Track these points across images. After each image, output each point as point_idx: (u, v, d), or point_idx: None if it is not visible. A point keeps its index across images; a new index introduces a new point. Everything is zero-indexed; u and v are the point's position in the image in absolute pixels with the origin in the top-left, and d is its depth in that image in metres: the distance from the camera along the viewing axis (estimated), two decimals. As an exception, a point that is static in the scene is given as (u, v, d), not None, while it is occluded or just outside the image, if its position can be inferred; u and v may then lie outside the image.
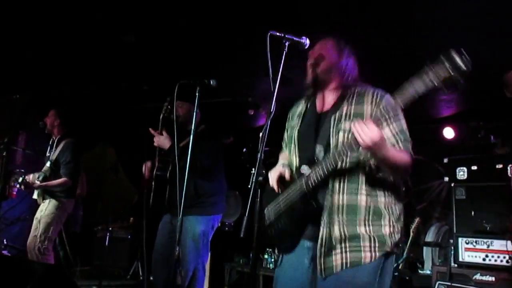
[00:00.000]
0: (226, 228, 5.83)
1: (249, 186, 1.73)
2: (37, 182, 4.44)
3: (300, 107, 2.22)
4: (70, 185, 4.43)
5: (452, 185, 3.96)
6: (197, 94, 2.83)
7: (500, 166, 3.70)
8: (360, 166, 1.90)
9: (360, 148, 1.73)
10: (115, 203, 5.78)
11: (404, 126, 1.93)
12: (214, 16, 3.71)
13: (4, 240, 5.51)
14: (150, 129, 3.40)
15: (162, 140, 3.33)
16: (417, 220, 4.23)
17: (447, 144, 5.44)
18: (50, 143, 4.68)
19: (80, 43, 4.38)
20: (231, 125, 6.60)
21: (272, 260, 5.42)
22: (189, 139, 2.78)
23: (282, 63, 1.94)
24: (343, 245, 1.84)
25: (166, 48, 4.43)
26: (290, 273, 2.04)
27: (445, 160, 4.16)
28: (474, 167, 3.86)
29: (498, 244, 3.53)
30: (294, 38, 1.97)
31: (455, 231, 3.84)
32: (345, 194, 1.88)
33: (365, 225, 1.86)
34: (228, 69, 4.79)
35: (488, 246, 3.57)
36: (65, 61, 4.88)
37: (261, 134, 1.79)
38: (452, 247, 3.74)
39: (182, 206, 2.62)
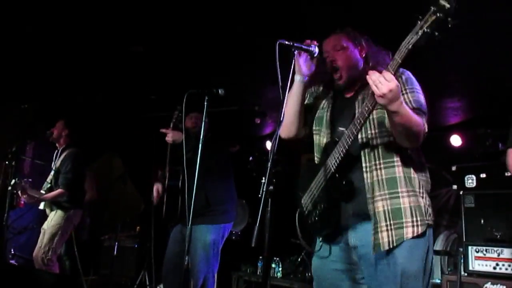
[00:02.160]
0: (233, 237, 5.82)
1: (259, 196, 1.73)
2: (42, 192, 4.47)
3: (323, 89, 2.21)
4: (71, 196, 4.43)
5: (461, 193, 3.94)
6: (205, 103, 2.84)
7: (509, 174, 3.68)
8: (386, 139, 1.91)
9: (375, 98, 1.70)
10: (122, 212, 5.78)
11: (421, 99, 1.92)
12: (221, 25, 3.73)
13: (12, 250, 5.52)
14: (161, 130, 3.40)
15: (175, 135, 3.33)
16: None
17: (454, 152, 5.41)
18: (55, 153, 4.71)
19: (88, 53, 4.41)
20: (238, 134, 6.61)
21: (280, 269, 5.40)
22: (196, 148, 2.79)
23: (292, 70, 1.95)
24: (388, 222, 1.85)
25: (173, 58, 4.45)
26: (333, 266, 2.03)
27: (454, 168, 4.14)
28: (483, 175, 3.85)
29: (508, 253, 3.50)
30: (303, 47, 1.98)
31: (464, 240, 3.82)
32: (382, 169, 1.90)
33: (407, 196, 1.88)
34: (235, 77, 4.80)
35: (499, 254, 3.54)
36: (74, 71, 4.91)
37: (270, 143, 1.80)
38: (462, 256, 3.71)
39: (191, 213, 2.62)
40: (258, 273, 5.57)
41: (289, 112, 2.08)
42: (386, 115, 1.84)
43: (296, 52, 1.98)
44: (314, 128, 2.18)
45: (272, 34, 1.97)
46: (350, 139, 1.86)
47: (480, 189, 3.86)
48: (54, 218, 4.39)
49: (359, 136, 1.94)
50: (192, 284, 3.33)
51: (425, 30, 1.59)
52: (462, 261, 3.70)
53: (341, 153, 1.90)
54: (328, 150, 2.01)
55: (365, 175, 1.91)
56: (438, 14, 1.56)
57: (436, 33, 1.60)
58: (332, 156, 1.94)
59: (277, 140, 1.79)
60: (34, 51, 4.47)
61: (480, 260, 3.62)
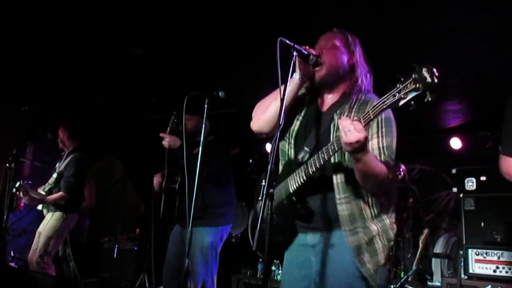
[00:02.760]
0: (233, 240, 5.81)
1: (259, 198, 1.73)
2: (43, 193, 4.48)
3: (303, 91, 2.15)
4: (71, 199, 4.44)
5: (461, 195, 3.95)
6: (206, 105, 2.84)
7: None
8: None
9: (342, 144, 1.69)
10: (122, 215, 5.77)
11: (393, 144, 1.90)
12: (221, 28, 3.74)
13: (11, 252, 5.51)
14: (160, 134, 3.41)
15: (172, 140, 3.34)
16: (425, 231, 4.20)
17: (454, 154, 5.42)
18: (62, 154, 4.73)
19: (88, 55, 4.42)
20: (237, 136, 6.61)
21: (279, 271, 5.39)
22: (198, 150, 2.79)
23: (291, 72, 1.95)
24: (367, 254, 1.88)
25: (173, 60, 4.46)
26: (296, 272, 2.02)
27: (454, 171, 4.15)
28: (483, 178, 3.85)
29: (509, 256, 3.50)
30: (302, 51, 1.97)
31: (464, 242, 3.82)
32: (356, 201, 1.89)
33: (374, 224, 1.90)
34: (235, 80, 4.81)
35: (499, 257, 3.54)
36: (74, 73, 4.92)
37: (270, 145, 1.79)
38: (462, 259, 3.71)
39: (191, 217, 2.62)
40: (258, 275, 5.57)
41: (276, 107, 1.98)
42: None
43: (295, 53, 1.97)
44: (287, 138, 2.13)
45: (272, 36, 1.98)
46: (312, 169, 1.84)
47: (480, 192, 3.87)
48: (50, 221, 4.40)
49: (332, 161, 1.90)
50: (191, 287, 3.32)
51: (402, 97, 1.55)
52: (462, 264, 3.70)
53: (302, 179, 1.89)
54: (291, 168, 1.99)
55: (339, 207, 1.88)
56: (417, 85, 1.51)
57: (412, 102, 1.55)
58: (293, 178, 1.93)
59: (277, 143, 1.79)
60: (34, 53, 4.48)
61: (480, 263, 3.62)
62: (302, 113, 2.11)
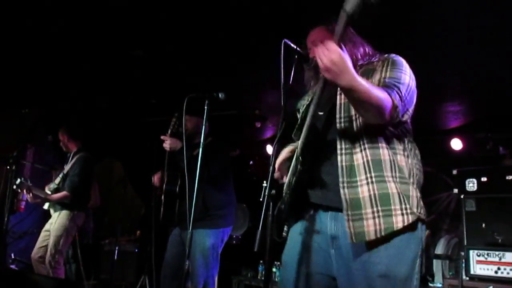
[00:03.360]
0: (234, 241, 5.80)
1: (260, 200, 1.73)
2: (48, 192, 4.50)
3: (306, 100, 2.11)
4: (75, 198, 4.45)
5: (462, 196, 3.94)
6: (206, 107, 2.84)
7: (511, 177, 3.68)
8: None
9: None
10: (122, 217, 5.77)
11: (402, 77, 1.69)
12: (220, 30, 3.74)
13: (12, 254, 5.51)
14: (161, 136, 3.40)
15: (173, 143, 3.34)
16: (426, 232, 4.19)
17: (455, 155, 5.41)
18: (68, 156, 4.76)
19: (88, 57, 4.42)
20: (238, 138, 6.61)
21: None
22: (198, 151, 2.79)
23: (292, 75, 1.95)
24: (374, 209, 1.62)
25: (173, 62, 4.46)
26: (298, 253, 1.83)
27: (454, 172, 4.15)
28: (484, 179, 3.85)
29: (510, 256, 3.50)
30: (304, 55, 1.98)
31: (465, 244, 3.81)
32: (363, 151, 1.69)
33: (395, 182, 1.66)
34: (235, 81, 4.81)
35: (500, 258, 3.53)
36: (74, 75, 4.92)
37: (271, 147, 1.79)
38: (463, 260, 3.70)
39: (191, 218, 2.62)
40: (258, 277, 5.56)
41: None
42: None
43: (297, 57, 1.98)
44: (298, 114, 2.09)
45: (273, 38, 1.98)
46: (310, 119, 1.74)
47: (481, 193, 3.86)
48: (58, 220, 4.41)
49: (337, 117, 1.77)
50: None
51: None
52: (463, 265, 3.69)
53: (304, 134, 1.77)
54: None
55: (339, 157, 1.71)
56: None
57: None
58: (300, 140, 1.82)
59: (278, 144, 1.79)
60: (34, 55, 4.48)
61: (482, 264, 3.61)
62: (309, 98, 2.06)
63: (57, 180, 4.63)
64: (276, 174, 1.95)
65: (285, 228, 1.90)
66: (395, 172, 1.69)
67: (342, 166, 1.71)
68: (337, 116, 1.77)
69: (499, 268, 3.52)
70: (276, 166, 1.91)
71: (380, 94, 1.56)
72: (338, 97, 1.79)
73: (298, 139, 1.89)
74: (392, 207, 1.63)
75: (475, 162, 4.80)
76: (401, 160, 1.73)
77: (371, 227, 1.62)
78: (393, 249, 1.63)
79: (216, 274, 3.47)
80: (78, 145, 4.76)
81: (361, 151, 1.70)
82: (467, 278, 3.66)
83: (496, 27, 3.26)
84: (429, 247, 4.68)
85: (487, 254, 3.60)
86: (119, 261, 5.60)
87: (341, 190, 1.68)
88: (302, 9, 3.34)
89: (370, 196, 1.65)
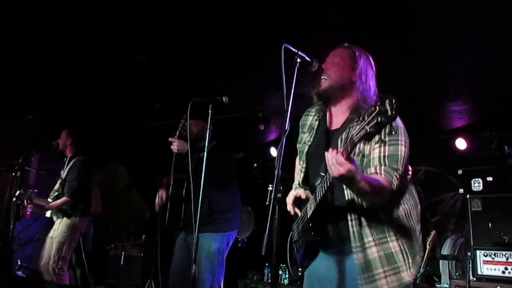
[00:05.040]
0: (239, 244, 5.80)
1: (266, 203, 1.73)
2: (49, 200, 4.49)
3: (311, 118, 2.20)
4: (76, 203, 4.44)
5: (468, 196, 3.93)
6: (210, 111, 2.85)
7: (516, 176, 3.67)
8: None
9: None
10: (127, 221, 5.78)
11: (401, 153, 1.84)
12: (223, 33, 3.75)
13: (18, 261, 5.52)
14: (169, 138, 3.41)
15: (181, 144, 3.34)
16: (433, 233, 4.18)
17: (459, 155, 5.39)
18: (64, 161, 4.74)
19: (92, 63, 4.43)
20: (242, 140, 6.61)
21: (287, 275, 5.37)
22: (203, 155, 2.80)
23: (295, 78, 1.96)
24: (384, 268, 1.82)
25: (177, 66, 4.47)
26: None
27: (460, 172, 4.13)
28: (489, 178, 3.83)
29: (517, 256, 3.48)
30: (306, 57, 1.99)
31: (472, 244, 3.79)
32: (370, 215, 1.86)
33: (396, 239, 1.85)
34: (239, 84, 4.81)
35: (507, 258, 3.51)
36: (78, 81, 4.94)
37: (277, 151, 1.80)
38: (470, 260, 3.68)
39: (197, 223, 2.62)
40: (264, 280, 5.55)
41: None
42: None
43: (298, 60, 1.98)
44: (300, 163, 2.17)
45: (275, 41, 1.99)
46: (323, 190, 1.83)
47: (487, 192, 3.85)
48: (60, 226, 4.40)
49: (345, 188, 1.89)
50: None
51: (369, 130, 1.52)
52: (470, 265, 3.67)
53: (314, 205, 1.89)
54: (311, 192, 1.99)
55: (350, 223, 1.87)
56: (380, 118, 1.49)
57: (374, 132, 1.53)
58: (310, 202, 1.94)
59: (283, 148, 1.79)
60: (38, 62, 4.50)
61: (489, 264, 3.60)
62: (311, 136, 2.13)
63: (56, 187, 4.62)
64: (291, 210, 2.07)
65: (299, 269, 2.20)
66: (396, 229, 1.87)
67: (353, 231, 1.87)
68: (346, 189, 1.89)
69: (506, 268, 3.50)
70: (290, 206, 2.06)
71: (381, 188, 1.76)
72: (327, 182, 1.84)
73: (305, 186, 2.07)
74: (399, 264, 1.83)
75: (480, 161, 4.78)
76: (399, 216, 1.89)
77: (384, 286, 1.82)
78: None
79: (222, 278, 3.47)
80: (75, 149, 4.73)
81: (362, 216, 1.87)
82: (474, 279, 3.64)
83: (500, 26, 3.25)
84: (435, 247, 4.66)
85: (494, 254, 3.58)
86: (125, 266, 5.60)
87: (355, 255, 1.86)
88: (304, 13, 3.34)
89: (379, 257, 1.84)
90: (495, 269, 3.55)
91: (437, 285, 4.49)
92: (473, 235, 3.82)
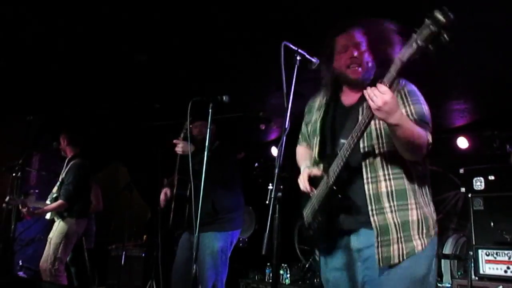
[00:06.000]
0: (241, 244, 5.79)
1: (267, 202, 1.72)
2: (48, 202, 4.50)
3: (318, 100, 2.20)
4: (73, 206, 4.45)
5: (469, 195, 3.91)
6: (210, 110, 2.85)
7: (518, 175, 3.65)
8: (390, 149, 1.88)
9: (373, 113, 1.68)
10: (128, 222, 5.78)
11: (424, 110, 1.89)
12: (224, 32, 3.74)
13: (20, 262, 5.53)
14: (174, 140, 3.40)
15: (185, 146, 3.34)
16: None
17: (461, 154, 5.37)
18: (65, 163, 4.75)
19: (92, 63, 4.43)
20: (243, 140, 6.60)
21: (288, 275, 5.37)
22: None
23: (295, 77, 1.95)
24: (398, 234, 1.83)
25: (177, 66, 4.46)
26: (339, 275, 2.02)
27: (461, 171, 4.11)
28: (491, 177, 3.82)
29: (520, 256, 3.46)
30: (306, 55, 1.99)
31: (474, 243, 3.78)
32: (391, 180, 1.87)
33: (416, 209, 1.87)
34: (239, 84, 4.81)
35: (510, 257, 3.50)
36: (78, 81, 4.94)
37: (276, 149, 1.80)
38: (472, 259, 3.67)
39: (198, 223, 2.62)
40: (266, 280, 5.55)
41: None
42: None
43: (299, 58, 1.98)
44: (312, 141, 2.15)
45: (276, 40, 1.98)
46: (348, 151, 1.82)
47: (488, 191, 3.83)
48: (58, 227, 4.43)
49: (361, 146, 1.91)
50: None
51: (419, 43, 1.55)
52: (472, 265, 3.66)
53: (340, 166, 1.87)
54: (329, 162, 1.97)
55: (366, 186, 1.89)
56: (432, 28, 1.52)
57: (430, 47, 1.56)
58: (332, 169, 1.92)
59: (283, 146, 1.79)
60: (38, 62, 4.50)
61: (491, 263, 3.58)
62: (324, 114, 2.11)
63: (55, 189, 4.63)
64: (307, 189, 2.03)
65: (316, 253, 2.04)
66: (416, 198, 1.89)
67: (370, 194, 1.88)
68: (362, 145, 1.91)
69: (508, 268, 3.48)
70: (306, 184, 2.03)
71: (420, 133, 1.77)
72: (362, 127, 1.81)
73: (320, 161, 2.04)
74: (411, 233, 1.85)
75: (482, 160, 4.76)
76: (418, 187, 1.92)
77: (395, 251, 1.83)
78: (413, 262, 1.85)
79: (225, 278, 3.47)
80: (75, 151, 4.74)
81: (385, 180, 1.88)
82: (476, 278, 3.63)
83: (501, 25, 3.24)
84: (437, 247, 4.64)
85: (496, 254, 3.57)
86: (126, 266, 5.61)
87: (371, 218, 1.87)
88: (305, 11, 3.34)
89: (395, 223, 1.85)
90: (497, 269, 3.54)
91: (439, 285, 4.47)
92: (475, 234, 3.81)
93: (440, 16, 1.51)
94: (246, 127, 5.91)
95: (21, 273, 5.39)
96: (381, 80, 1.65)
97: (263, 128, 5.74)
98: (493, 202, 3.77)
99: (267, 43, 2.72)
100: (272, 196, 1.67)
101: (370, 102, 1.65)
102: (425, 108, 1.90)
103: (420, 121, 1.85)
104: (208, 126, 2.86)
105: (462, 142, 5.30)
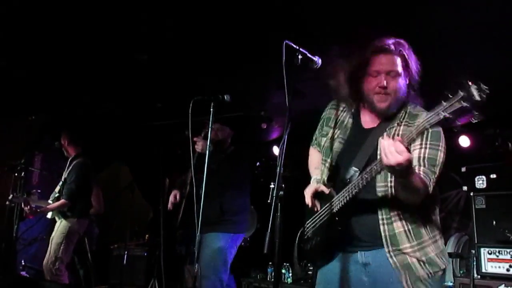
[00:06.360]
0: (242, 243, 5.78)
1: (268, 201, 1.72)
2: (50, 202, 4.51)
3: (340, 113, 2.12)
4: (74, 205, 4.45)
5: (471, 194, 3.91)
6: (211, 110, 2.85)
7: (521, 173, 3.65)
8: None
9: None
10: (130, 221, 5.79)
11: (438, 158, 1.83)
12: (225, 31, 3.74)
13: (22, 261, 5.54)
14: (194, 138, 3.41)
15: (205, 145, 3.34)
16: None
17: (463, 153, 5.36)
18: (67, 163, 4.76)
19: (93, 63, 4.44)
20: (244, 139, 6.60)
21: (290, 274, 5.36)
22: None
23: (296, 76, 1.95)
24: (426, 271, 1.84)
25: (178, 65, 4.46)
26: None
27: (463, 169, 4.12)
28: (493, 176, 3.82)
29: (522, 254, 3.46)
30: (308, 54, 1.97)
31: (476, 241, 3.77)
32: (406, 219, 1.85)
33: (432, 244, 1.87)
34: (241, 83, 4.80)
35: (512, 256, 3.49)
36: (79, 81, 4.94)
37: (279, 149, 1.79)
38: (474, 258, 3.66)
39: (199, 223, 2.63)
40: (268, 279, 5.55)
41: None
42: None
43: (300, 56, 1.96)
44: (323, 158, 2.11)
45: (277, 39, 1.97)
46: (356, 189, 1.81)
47: (490, 190, 3.83)
48: (59, 227, 4.44)
49: (377, 185, 1.88)
50: None
51: (446, 115, 1.53)
52: (474, 263, 3.66)
53: (346, 199, 1.85)
54: (338, 187, 1.94)
55: (382, 227, 1.86)
56: (464, 104, 1.48)
57: (457, 122, 1.55)
58: (338, 198, 1.90)
59: (285, 145, 1.79)
60: (39, 62, 4.50)
61: (493, 262, 3.58)
62: (341, 133, 2.07)
63: (57, 188, 4.63)
64: (309, 202, 2.02)
65: (310, 267, 2.04)
66: (430, 234, 1.88)
67: (386, 235, 1.85)
68: (378, 184, 1.88)
69: (511, 266, 3.48)
70: (309, 200, 2.01)
71: (421, 186, 1.73)
72: (373, 174, 1.79)
73: (330, 182, 2.01)
74: (440, 267, 1.86)
75: (484, 159, 4.75)
76: (431, 218, 1.91)
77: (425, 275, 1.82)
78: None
79: (226, 279, 3.46)
80: (78, 150, 4.75)
81: (400, 220, 1.85)
82: (479, 277, 3.62)
83: (503, 23, 3.23)
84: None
85: (499, 252, 3.56)
86: (129, 266, 5.61)
87: (390, 259, 1.85)
88: (306, 10, 3.33)
89: (419, 261, 1.83)
90: (499, 267, 3.54)
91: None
92: (477, 233, 3.80)
93: (475, 93, 1.47)
94: (247, 126, 5.91)
95: (23, 273, 5.40)
96: (402, 137, 1.61)
97: (265, 127, 5.75)
98: (495, 200, 3.77)
99: (269, 42, 2.72)
100: (274, 195, 1.67)
101: (382, 155, 1.60)
102: (440, 155, 1.84)
103: (427, 168, 1.81)
104: (210, 126, 2.86)
105: (464, 141, 5.28)
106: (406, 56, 1.92)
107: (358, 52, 1.97)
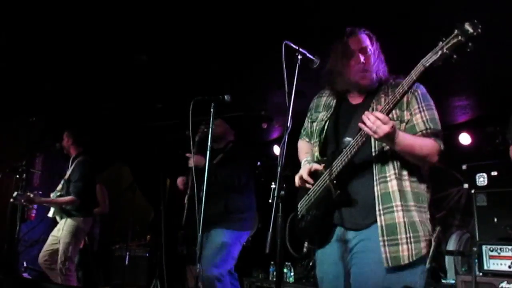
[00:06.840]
0: (244, 243, 5.79)
1: (269, 201, 1.73)
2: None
3: (325, 98, 2.22)
4: (82, 203, 4.45)
5: (473, 191, 3.91)
6: (212, 110, 2.86)
7: (522, 170, 3.64)
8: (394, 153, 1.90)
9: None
10: (132, 222, 5.80)
11: (436, 116, 1.95)
12: (225, 31, 3.74)
13: (24, 263, 5.54)
14: (186, 154, 3.43)
15: (198, 160, 3.35)
16: (438, 229, 4.14)
17: (463, 150, 5.36)
18: (69, 162, 4.77)
19: (93, 63, 4.44)
20: (245, 139, 6.60)
21: (292, 274, 5.37)
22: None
23: (296, 76, 1.95)
24: (408, 234, 1.84)
25: (178, 65, 4.47)
26: (333, 269, 2.01)
27: (464, 167, 4.11)
28: (494, 173, 3.82)
29: (524, 251, 3.45)
30: (307, 54, 2.00)
31: (478, 239, 3.77)
32: (401, 180, 1.90)
33: (419, 211, 1.90)
34: (241, 83, 4.81)
35: (514, 253, 3.49)
36: (80, 82, 4.95)
37: (278, 148, 1.80)
38: (476, 255, 3.66)
39: (201, 222, 2.63)
40: (270, 278, 5.55)
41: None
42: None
43: (300, 57, 1.98)
44: (315, 140, 2.17)
45: (277, 39, 1.98)
46: (354, 149, 1.86)
47: (492, 187, 3.83)
48: (65, 227, 4.41)
49: (372, 145, 1.93)
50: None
51: (445, 51, 1.63)
52: (476, 261, 3.65)
53: (343, 162, 1.89)
54: (332, 158, 1.98)
55: (376, 186, 1.89)
56: (460, 38, 1.60)
57: (454, 56, 1.63)
58: (334, 164, 1.93)
59: (285, 145, 1.79)
60: (40, 64, 4.51)
61: (495, 259, 3.57)
62: (330, 113, 2.14)
63: (59, 187, 4.63)
64: (307, 179, 2.04)
65: (305, 244, 2.11)
66: (417, 202, 1.92)
67: (379, 194, 1.89)
68: (373, 144, 1.93)
69: (512, 263, 3.48)
70: (306, 176, 2.04)
71: (428, 145, 1.86)
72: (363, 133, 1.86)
73: (323, 158, 2.06)
74: (419, 234, 1.86)
75: (485, 156, 4.75)
76: (421, 189, 1.95)
77: (405, 252, 1.83)
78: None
79: (227, 276, 3.45)
80: (79, 150, 4.75)
81: (396, 179, 1.89)
82: (480, 274, 3.62)
83: (503, 22, 3.23)
84: (441, 243, 4.63)
85: (500, 249, 3.56)
86: (130, 266, 5.62)
87: (378, 217, 1.87)
88: (306, 11, 3.33)
89: (404, 222, 1.85)
90: (501, 264, 3.53)
91: (443, 281, 4.47)
92: (478, 230, 3.80)
93: (470, 28, 1.59)
94: (248, 126, 5.92)
95: (25, 274, 5.41)
96: (399, 87, 1.73)
97: (265, 127, 5.75)
98: (496, 197, 3.77)
99: (268, 43, 2.72)
100: (275, 194, 1.67)
101: (372, 134, 1.72)
102: (436, 114, 1.96)
103: (433, 129, 1.91)
104: (210, 126, 2.87)
105: (465, 138, 5.28)
106: (370, 34, 2.09)
107: (336, 46, 2.10)
